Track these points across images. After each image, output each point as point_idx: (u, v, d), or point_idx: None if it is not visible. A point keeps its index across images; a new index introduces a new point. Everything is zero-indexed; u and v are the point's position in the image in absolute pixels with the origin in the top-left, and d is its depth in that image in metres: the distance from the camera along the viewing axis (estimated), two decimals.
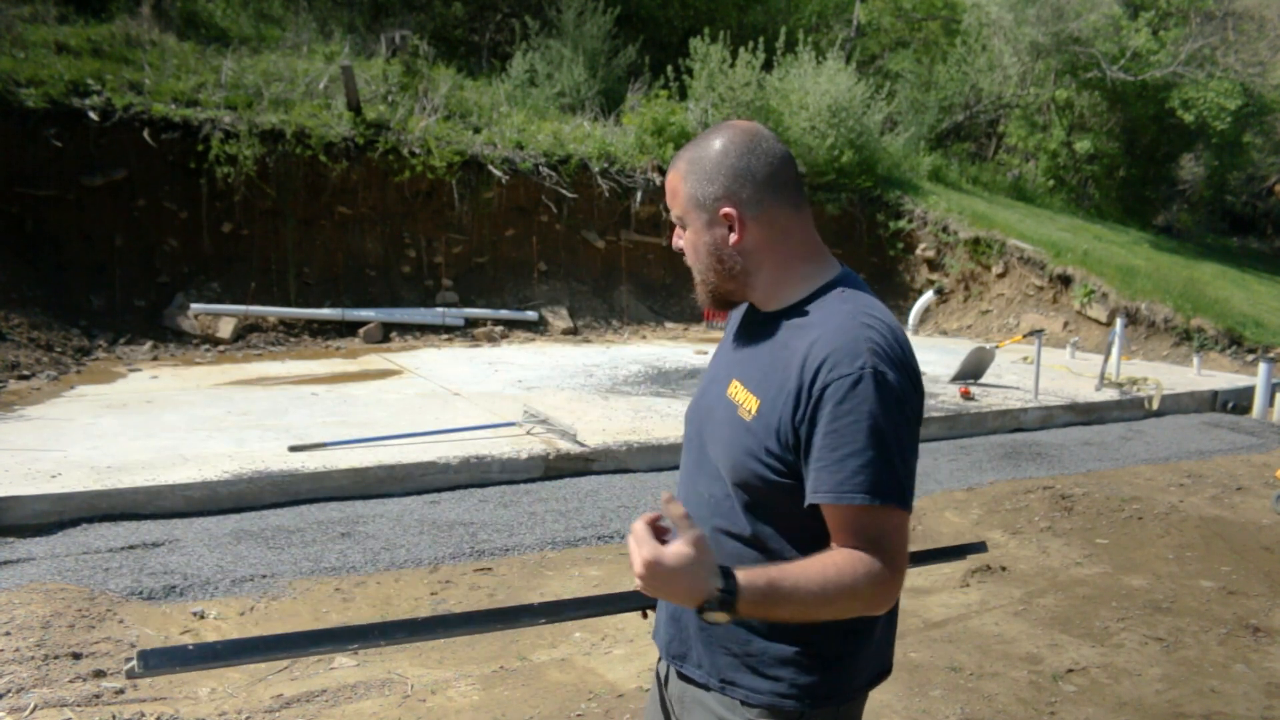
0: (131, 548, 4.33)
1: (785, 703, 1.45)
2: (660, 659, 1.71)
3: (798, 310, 1.49)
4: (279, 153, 10.20)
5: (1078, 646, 3.81)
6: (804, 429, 1.39)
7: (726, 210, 1.48)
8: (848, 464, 1.34)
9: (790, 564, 1.37)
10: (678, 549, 1.31)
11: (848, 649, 1.48)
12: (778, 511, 1.44)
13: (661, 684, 1.69)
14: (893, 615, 1.55)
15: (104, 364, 8.35)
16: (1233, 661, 3.73)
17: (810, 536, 1.41)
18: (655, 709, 1.70)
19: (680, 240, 1.57)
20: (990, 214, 14.41)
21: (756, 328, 1.55)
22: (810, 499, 1.38)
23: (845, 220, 13.87)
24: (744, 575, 1.32)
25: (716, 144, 1.49)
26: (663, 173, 12.12)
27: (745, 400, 1.48)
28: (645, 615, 1.85)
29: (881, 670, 1.56)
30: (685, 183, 1.50)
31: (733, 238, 1.49)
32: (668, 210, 1.59)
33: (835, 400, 1.35)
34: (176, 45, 11.36)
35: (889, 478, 1.34)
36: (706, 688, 1.53)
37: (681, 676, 1.60)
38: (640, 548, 1.32)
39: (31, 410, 6.39)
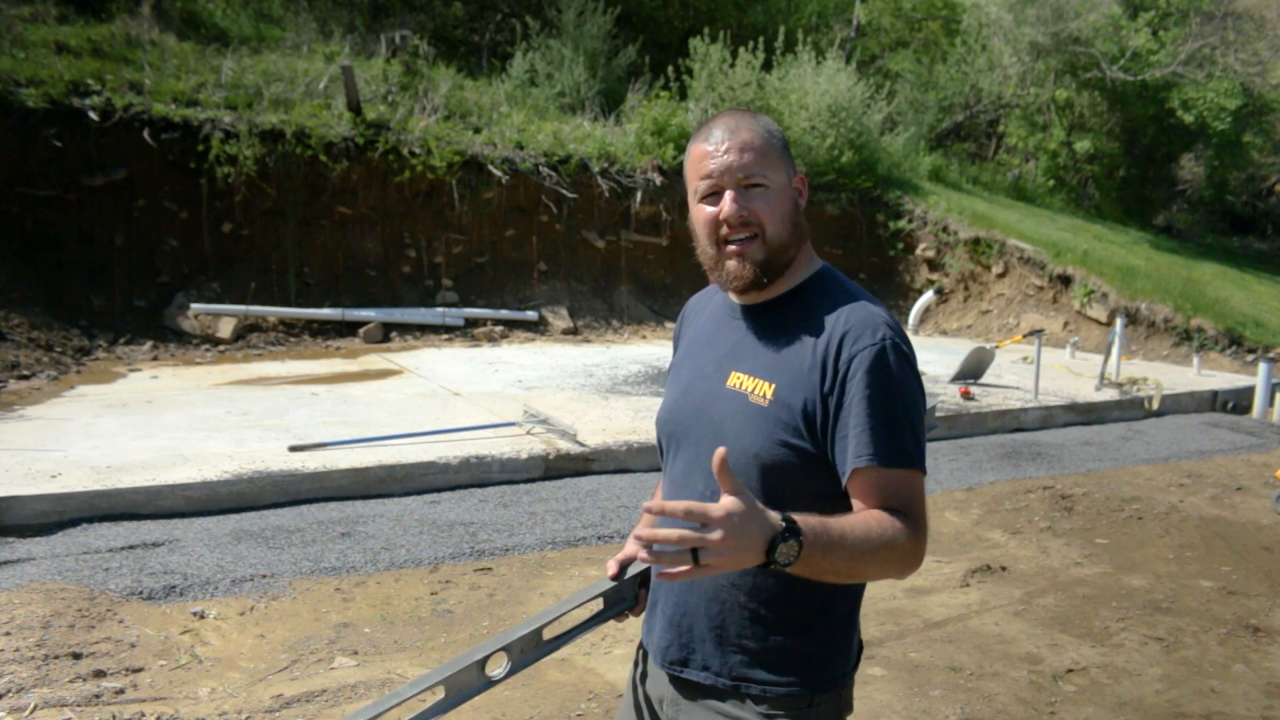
0: (131, 548, 4.33)
1: (797, 690, 1.49)
2: (636, 667, 1.69)
3: (796, 295, 1.54)
4: (279, 153, 10.20)
5: (1078, 646, 3.81)
6: (833, 400, 1.42)
7: (802, 175, 1.58)
8: (883, 430, 1.39)
9: (832, 516, 1.34)
10: (735, 495, 1.21)
11: (845, 633, 1.54)
12: (796, 497, 1.41)
13: (637, 689, 1.67)
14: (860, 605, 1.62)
15: (104, 364, 8.35)
16: (1233, 661, 3.73)
17: None
18: (630, 716, 1.67)
19: (745, 206, 1.48)
20: (990, 214, 14.41)
21: (747, 321, 1.57)
22: (852, 464, 1.40)
23: (845, 220, 13.87)
24: (796, 515, 1.27)
25: (773, 121, 1.58)
26: (663, 173, 12.14)
27: (756, 387, 1.48)
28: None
29: (858, 656, 1.62)
30: (771, 144, 1.52)
31: (802, 202, 1.58)
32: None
33: (864, 369, 1.41)
34: (176, 45, 11.36)
35: (916, 444, 1.42)
36: (715, 690, 1.52)
37: (680, 682, 1.57)
38: (707, 510, 1.19)
39: (31, 410, 6.39)
